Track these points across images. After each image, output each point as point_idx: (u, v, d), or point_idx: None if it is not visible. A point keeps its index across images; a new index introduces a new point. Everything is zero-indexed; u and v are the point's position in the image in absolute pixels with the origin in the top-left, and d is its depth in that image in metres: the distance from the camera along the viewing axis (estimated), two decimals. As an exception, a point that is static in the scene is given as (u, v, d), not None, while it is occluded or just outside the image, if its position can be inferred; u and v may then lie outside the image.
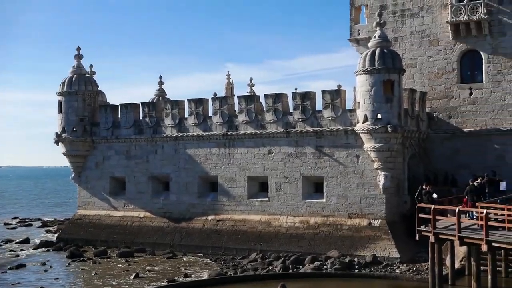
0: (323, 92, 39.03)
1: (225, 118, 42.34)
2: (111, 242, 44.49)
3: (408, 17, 42.67)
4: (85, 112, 47.50)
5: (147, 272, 35.73)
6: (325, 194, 38.74)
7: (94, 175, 47.76)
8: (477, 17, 39.71)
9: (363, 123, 36.44)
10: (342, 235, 37.27)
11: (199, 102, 43.66)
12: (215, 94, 48.35)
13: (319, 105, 39.44)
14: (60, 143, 47.70)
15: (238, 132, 41.77)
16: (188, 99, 44.42)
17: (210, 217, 42.43)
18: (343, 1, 51.29)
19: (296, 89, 42.41)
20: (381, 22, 38.12)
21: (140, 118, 46.06)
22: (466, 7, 39.94)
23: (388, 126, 35.63)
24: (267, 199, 40.65)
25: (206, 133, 43.00)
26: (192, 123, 43.56)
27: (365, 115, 36.29)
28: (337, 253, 35.84)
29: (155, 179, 45.52)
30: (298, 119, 39.62)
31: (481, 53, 40.48)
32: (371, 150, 36.59)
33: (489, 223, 26.14)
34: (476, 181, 32.32)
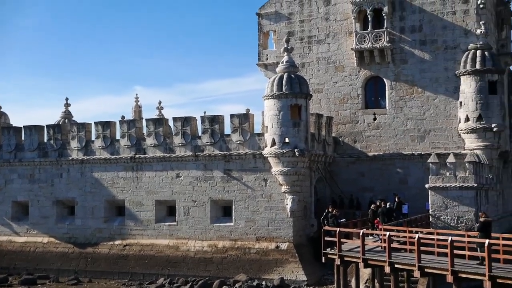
0: (232, 116, 39.26)
1: (133, 141, 41.87)
2: (13, 269, 42.88)
3: (315, 44, 43.63)
4: (-14, 134, 45.94)
5: (51, 299, 34.66)
6: (233, 217, 38.82)
7: (-5, 200, 46.12)
8: (380, 45, 41.03)
9: (271, 147, 36.83)
10: (250, 259, 37.38)
11: (106, 125, 43.02)
12: (123, 117, 47.85)
13: (227, 129, 39.65)
14: (-41, 166, 45.82)
15: (146, 155, 41.37)
16: (95, 122, 43.73)
17: (117, 242, 41.68)
18: (252, 27, 51.92)
19: (205, 112, 42.62)
20: (288, 48, 38.77)
21: (45, 140, 44.91)
22: (370, 35, 41.22)
23: (295, 150, 36.15)
24: (175, 223, 40.33)
25: (114, 156, 42.37)
26: (99, 146, 42.85)
27: (273, 139, 36.70)
28: (245, 276, 35.88)
29: (60, 203, 44.39)
30: (207, 142, 39.65)
31: (384, 79, 41.81)
32: (278, 174, 36.99)
33: (392, 245, 26.87)
34: (388, 204, 33.43)
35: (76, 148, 43.54)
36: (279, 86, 36.83)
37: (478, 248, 25.31)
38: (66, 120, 50.08)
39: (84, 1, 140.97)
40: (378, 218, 32.32)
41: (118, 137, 42.77)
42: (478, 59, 37.77)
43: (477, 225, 27.93)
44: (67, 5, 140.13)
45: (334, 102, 42.97)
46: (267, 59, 44.96)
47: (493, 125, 37.34)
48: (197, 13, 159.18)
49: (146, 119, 42.99)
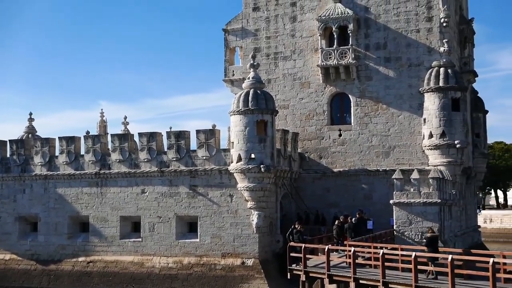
0: (198, 131, 39.18)
1: (97, 156, 41.52)
2: (-27, 286, 42.12)
3: (281, 60, 43.85)
4: None
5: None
6: (199, 233, 38.62)
7: (-44, 216, 45.23)
8: (345, 62, 41.40)
9: (237, 162, 36.80)
10: (216, 275, 37.18)
11: (70, 140, 42.61)
12: (87, 132, 47.36)
13: (193, 145, 39.57)
14: None
15: (111, 171, 41.03)
16: (59, 137, 43.23)
17: (80, 259, 41.16)
18: (218, 42, 51.97)
19: (170, 128, 42.42)
20: (254, 64, 38.88)
21: (8, 155, 44.31)
22: (335, 52, 41.58)
23: (261, 166, 36.17)
24: (140, 239, 39.99)
25: (78, 172, 41.95)
26: (63, 162, 42.39)
27: (239, 155, 36.69)
28: (211, 293, 35.64)
29: (22, 219, 43.74)
30: (173, 158, 39.48)
31: (350, 96, 42.16)
32: (244, 190, 36.96)
33: (357, 261, 27.00)
34: (354, 219, 33.66)
35: (39, 164, 43.03)
36: (245, 102, 36.88)
37: (429, 263, 25.84)
38: (29, 135, 49.36)
39: (47, 16, 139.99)
40: (346, 234, 32.50)
41: (82, 152, 42.37)
42: (441, 76, 38.32)
43: (424, 240, 28.42)
44: (31, 20, 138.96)
45: (300, 118, 43.18)
46: (233, 75, 45.05)
47: (456, 142, 37.84)
48: (164, 28, 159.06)
49: (111, 135, 42.69)
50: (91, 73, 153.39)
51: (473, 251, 29.44)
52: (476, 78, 46.50)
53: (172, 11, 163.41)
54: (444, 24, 40.28)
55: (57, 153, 43.12)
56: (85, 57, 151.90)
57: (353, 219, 33.86)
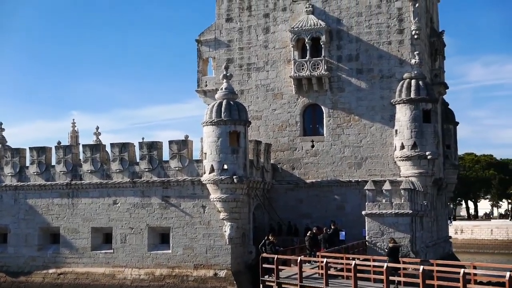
0: (170, 142, 39.04)
1: (69, 167, 41.16)
2: None
3: (254, 71, 43.96)
4: None
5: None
6: (171, 245, 38.40)
7: None
8: (318, 73, 41.61)
9: (209, 173, 36.72)
10: (188, 287, 36.97)
11: (41, 151, 42.21)
12: (59, 143, 46.82)
13: (166, 155, 39.39)
14: None
15: (82, 181, 40.69)
16: (30, 147, 42.81)
17: (51, 271, 40.67)
18: (191, 53, 51.92)
19: (143, 138, 42.11)
20: (227, 74, 38.90)
21: (-23, 166, 43.72)
22: (308, 63, 41.77)
23: (234, 176, 36.13)
24: (112, 250, 39.64)
25: (49, 183, 41.52)
26: (34, 172, 41.95)
27: (212, 165, 36.61)
28: (183, 305, 35.45)
29: (-8, 230, 43.16)
30: (145, 169, 39.28)
31: (322, 107, 42.36)
32: (217, 201, 36.86)
33: (329, 272, 27.03)
34: (329, 230, 33.79)
35: (9, 174, 42.52)
36: (218, 113, 36.86)
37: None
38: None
39: (18, 28, 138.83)
40: (320, 245, 32.59)
41: (53, 163, 41.99)
42: (412, 88, 38.67)
43: (386, 250, 28.68)
44: (2, 29, 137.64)
45: (272, 129, 43.27)
46: (206, 85, 45.03)
47: (427, 153, 38.16)
48: (136, 38, 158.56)
49: (83, 145, 42.37)
50: (62, 83, 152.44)
51: (444, 262, 29.64)
52: (446, 90, 47.06)
53: (145, 22, 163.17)
54: (415, 37, 40.70)
55: (27, 164, 42.67)
56: (56, 67, 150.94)
57: (328, 230, 33.96)
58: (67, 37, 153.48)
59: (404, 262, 27.48)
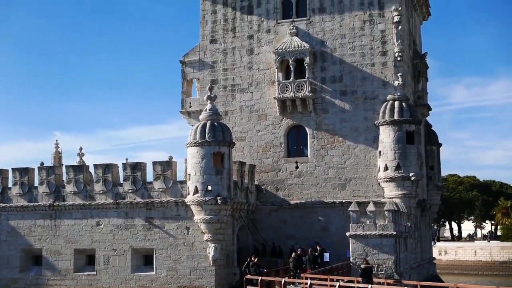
0: (154, 163, 38.94)
1: (52, 188, 40.90)
2: None
3: (238, 92, 44.03)
4: None
5: None
6: (154, 266, 38.16)
7: None
8: (302, 95, 41.76)
9: (193, 194, 36.62)
10: (171, 309, 36.71)
11: (24, 171, 41.92)
12: (42, 163, 46.59)
13: (150, 176, 39.23)
14: None
15: (65, 203, 40.42)
16: (12, 168, 42.47)
17: (32, 293, 40.23)
18: (175, 74, 52.02)
19: (127, 159, 42.03)
20: (212, 95, 38.95)
21: (-41, 187, 43.30)
22: (292, 85, 41.93)
23: (218, 198, 36.05)
24: (95, 272, 39.30)
25: (31, 204, 41.20)
26: (16, 193, 41.61)
27: (196, 186, 36.53)
28: (166, 327, 35.15)
29: (-27, 252, 42.65)
30: (128, 190, 39.11)
31: (306, 128, 42.46)
32: (201, 222, 36.74)
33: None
34: (315, 252, 33.82)
35: (-9, 195, 42.15)
36: (202, 134, 36.85)
37: None
38: (-18, 166, 48.47)
39: (3, 48, 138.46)
40: (305, 266, 32.59)
41: (36, 184, 41.70)
42: (396, 109, 38.91)
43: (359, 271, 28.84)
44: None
45: (257, 150, 43.28)
46: (190, 106, 45.02)
47: (411, 174, 38.32)
48: (120, 59, 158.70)
49: (66, 166, 42.17)
50: (45, 103, 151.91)
51: (428, 283, 29.71)
52: (429, 112, 47.35)
53: (129, 43, 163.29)
54: (398, 59, 41.03)
55: (10, 185, 42.32)
56: (39, 87, 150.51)
57: (313, 252, 33.93)
58: (50, 58, 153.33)
59: (388, 284, 27.52)
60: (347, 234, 34.85)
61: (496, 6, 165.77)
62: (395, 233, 34.09)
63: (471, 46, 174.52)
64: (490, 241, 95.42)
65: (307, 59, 41.88)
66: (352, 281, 28.86)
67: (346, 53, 42.19)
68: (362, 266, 27.86)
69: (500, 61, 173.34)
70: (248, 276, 30.72)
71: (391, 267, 33.73)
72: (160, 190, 38.48)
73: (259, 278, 29.41)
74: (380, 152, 39.48)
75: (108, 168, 39.92)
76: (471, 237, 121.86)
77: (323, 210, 41.42)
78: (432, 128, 50.13)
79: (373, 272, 33.19)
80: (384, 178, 38.99)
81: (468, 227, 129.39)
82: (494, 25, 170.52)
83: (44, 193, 41.03)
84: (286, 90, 42.11)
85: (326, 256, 35.80)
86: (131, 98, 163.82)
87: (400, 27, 41.07)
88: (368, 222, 34.53)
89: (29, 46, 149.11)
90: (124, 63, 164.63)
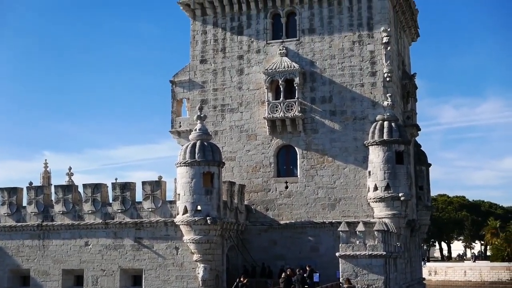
0: (144, 183, 38.84)
1: (40, 208, 40.69)
2: None
3: (228, 112, 44.06)
4: None
5: None
6: (143, 287, 37.91)
7: None
8: (292, 115, 41.84)
9: (183, 214, 36.51)
10: (160, 330, 36.44)
11: (12, 191, 41.71)
12: (30, 183, 46.38)
13: (139, 196, 39.17)
14: None
15: (54, 223, 40.20)
16: (1, 188, 42.27)
17: (20, 314, 39.89)
18: (165, 94, 51.94)
19: (116, 179, 41.85)
20: (201, 115, 38.99)
21: None
22: (282, 105, 42.01)
23: (208, 218, 35.95)
24: (83, 293, 39.04)
25: (19, 224, 40.96)
26: (5, 213, 41.35)
27: (185, 206, 36.44)
28: None
29: (-40, 273, 42.27)
30: (118, 210, 38.96)
31: (296, 148, 42.48)
32: (190, 242, 36.60)
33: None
34: (304, 273, 33.74)
35: (-21, 215, 41.87)
36: (191, 154, 36.83)
37: None
38: (-30, 186, 48.17)
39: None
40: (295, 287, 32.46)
41: (25, 203, 41.49)
42: (385, 130, 39.03)
43: None
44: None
45: (246, 170, 43.23)
46: (180, 126, 45.01)
47: (400, 194, 38.35)
48: (110, 78, 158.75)
49: (55, 186, 42.01)
50: (35, 122, 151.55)
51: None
52: (419, 132, 47.53)
53: (119, 62, 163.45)
54: (388, 79, 41.21)
55: (-2, 205, 42.08)
56: (28, 107, 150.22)
57: (304, 273, 33.81)
58: (39, 77, 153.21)
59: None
60: (337, 254, 34.78)
61: (484, 28, 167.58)
62: (385, 253, 34.04)
63: (459, 67, 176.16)
64: (476, 261, 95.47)
65: (296, 80, 42.01)
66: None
67: (335, 73, 42.36)
68: (345, 286, 27.76)
69: (488, 82, 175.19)
70: (238, 297, 30.58)
71: (381, 287, 33.64)
72: (150, 210, 38.35)
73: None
74: (369, 172, 39.53)
75: (97, 188, 39.78)
76: (461, 257, 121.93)
77: (313, 230, 41.33)
78: (421, 148, 50.24)
79: (363, 292, 33.25)
80: (373, 198, 39.00)
81: (457, 247, 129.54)
82: (482, 46, 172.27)
83: (33, 213, 40.80)
84: (276, 110, 42.19)
85: (316, 276, 35.70)
86: (120, 117, 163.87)
87: (389, 48, 41.30)
88: (357, 242, 34.47)
89: (18, 66, 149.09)
90: (114, 83, 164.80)
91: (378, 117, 39.94)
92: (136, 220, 38.52)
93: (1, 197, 41.98)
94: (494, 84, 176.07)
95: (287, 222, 41.78)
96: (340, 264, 34.53)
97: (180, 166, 37.10)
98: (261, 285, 36.66)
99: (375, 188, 38.93)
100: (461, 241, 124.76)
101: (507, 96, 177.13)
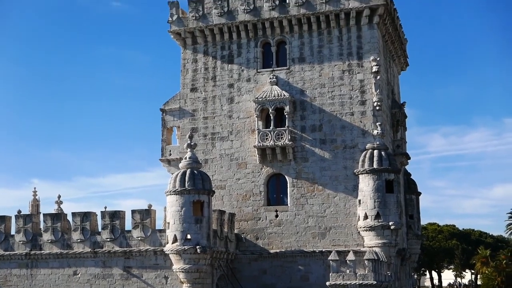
0: (133, 211, 38.67)
1: (28, 236, 40.39)
2: None
3: (218, 140, 44.06)
4: None
5: None
6: (132, 317, 37.59)
7: None
8: (282, 143, 41.88)
9: (172, 243, 36.31)
10: None
11: (1, 220, 41.44)
12: (19, 211, 46.10)
13: (128, 225, 38.98)
14: None
15: (42, 251, 39.89)
16: (-12, 216, 41.98)
17: None
18: (155, 122, 52.06)
19: (105, 207, 41.67)
20: (192, 144, 38.98)
21: None
22: (272, 133, 42.09)
23: (197, 247, 35.76)
24: (71, 323, 38.62)
25: (7, 253, 40.62)
26: (-8, 242, 41.02)
27: (175, 235, 36.25)
28: None
29: None
30: (107, 238, 38.71)
31: (286, 177, 42.46)
32: (180, 271, 36.34)
33: None
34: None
35: (-33, 244, 41.50)
36: (181, 182, 36.74)
37: None
38: (-43, 214, 47.80)
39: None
40: None
41: (13, 232, 41.18)
42: (375, 158, 39.11)
43: None
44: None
45: (236, 198, 43.13)
46: (170, 154, 44.95)
47: (390, 223, 38.32)
48: (99, 106, 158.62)
49: (44, 214, 41.77)
50: (23, 150, 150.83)
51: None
52: (408, 160, 47.64)
53: (109, 90, 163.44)
54: (377, 108, 41.40)
55: (-14, 233, 41.74)
56: (17, 134, 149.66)
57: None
58: (27, 105, 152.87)
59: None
60: (327, 283, 34.62)
61: (471, 58, 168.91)
62: (375, 282, 33.90)
63: (447, 96, 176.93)
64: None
65: (287, 108, 42.14)
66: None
67: (325, 102, 42.51)
68: None
69: (476, 111, 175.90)
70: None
71: (372, 317, 33.44)
72: (139, 238, 38.13)
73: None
74: (359, 200, 39.52)
75: (86, 216, 39.57)
76: (452, 287, 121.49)
77: (303, 259, 41.15)
78: (411, 177, 50.37)
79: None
80: (364, 227, 38.94)
81: (448, 276, 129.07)
82: (470, 76, 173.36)
83: (21, 242, 40.49)
84: (266, 138, 42.24)
85: (306, 306, 35.50)
86: (110, 145, 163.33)
87: (378, 77, 41.57)
88: (348, 271, 34.35)
89: (6, 92, 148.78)
90: (104, 111, 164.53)
91: (368, 145, 40.05)
92: (125, 249, 38.28)
93: (-11, 225, 41.64)
94: (482, 114, 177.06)
95: (277, 251, 41.61)
96: (330, 294, 34.34)
97: (170, 194, 36.99)
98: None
99: (365, 217, 38.89)
100: (451, 270, 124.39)
101: (495, 124, 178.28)
